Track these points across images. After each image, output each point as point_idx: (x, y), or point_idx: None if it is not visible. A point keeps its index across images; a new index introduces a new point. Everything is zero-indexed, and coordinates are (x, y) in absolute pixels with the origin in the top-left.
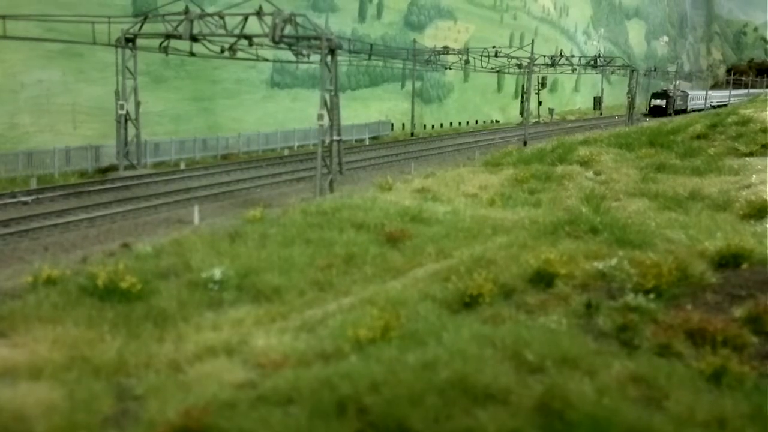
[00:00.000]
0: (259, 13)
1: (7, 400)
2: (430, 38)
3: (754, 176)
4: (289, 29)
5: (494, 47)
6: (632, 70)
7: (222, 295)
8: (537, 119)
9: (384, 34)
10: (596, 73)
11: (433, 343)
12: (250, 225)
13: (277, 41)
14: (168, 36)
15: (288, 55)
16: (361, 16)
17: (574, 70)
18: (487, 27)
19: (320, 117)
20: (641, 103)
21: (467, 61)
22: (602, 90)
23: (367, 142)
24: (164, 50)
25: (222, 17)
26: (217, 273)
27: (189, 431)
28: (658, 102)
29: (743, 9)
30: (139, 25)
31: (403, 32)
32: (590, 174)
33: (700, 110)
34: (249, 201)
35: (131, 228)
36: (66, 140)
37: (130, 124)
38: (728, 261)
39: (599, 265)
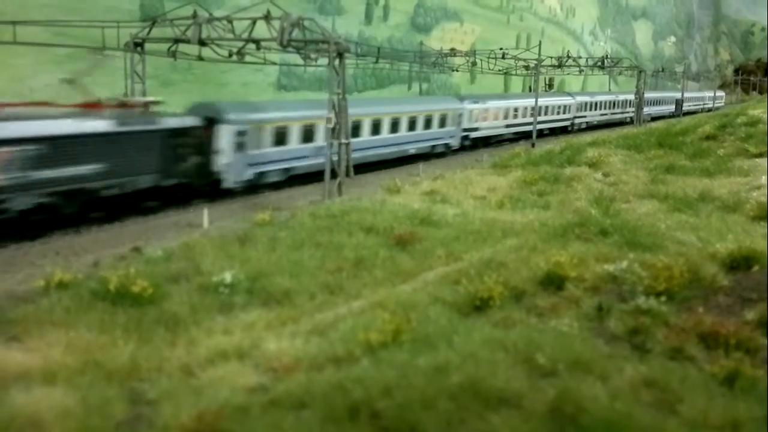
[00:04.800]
0: (266, 17)
1: (22, 405)
2: (437, 40)
3: (764, 177)
4: (296, 33)
5: (501, 49)
6: (639, 71)
7: (233, 299)
8: None
9: (390, 36)
10: (603, 74)
11: (444, 346)
12: (260, 228)
13: (285, 45)
14: (176, 40)
15: (295, 57)
16: (368, 18)
17: (581, 71)
18: (494, 28)
19: (328, 120)
20: None
21: (474, 63)
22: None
23: None
24: (172, 54)
25: (230, 21)
26: (228, 277)
27: None
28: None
29: (751, 8)
30: (147, 29)
31: (409, 34)
32: (599, 176)
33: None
34: (258, 204)
35: (141, 231)
36: None
37: None
38: (739, 263)
39: (610, 267)
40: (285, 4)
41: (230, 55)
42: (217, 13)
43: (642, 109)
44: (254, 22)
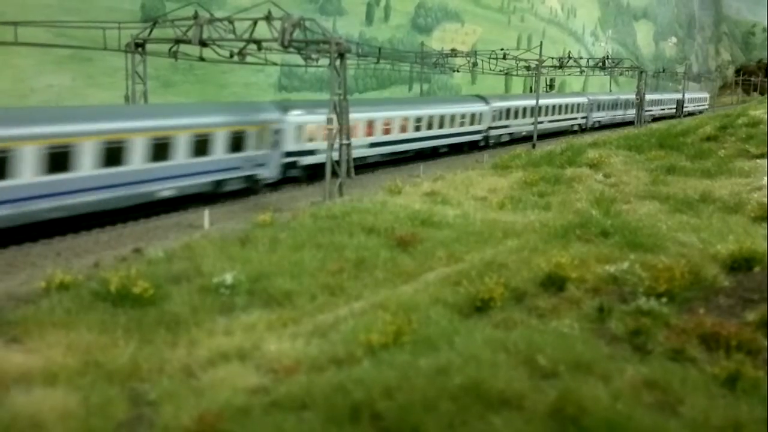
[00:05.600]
0: (268, 18)
1: (23, 406)
2: (438, 41)
3: (765, 178)
4: (297, 33)
5: (502, 49)
6: (640, 72)
7: (233, 300)
8: None
9: (391, 36)
10: (604, 75)
11: (445, 348)
12: (261, 229)
13: (286, 45)
14: (177, 41)
15: (296, 58)
16: (369, 19)
17: (582, 72)
18: (495, 29)
19: (329, 121)
20: None
21: (475, 64)
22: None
23: None
24: (173, 55)
25: (231, 22)
26: (229, 278)
27: None
28: None
29: (752, 9)
30: (148, 30)
31: (410, 35)
32: (600, 176)
33: None
34: (258, 205)
35: (142, 232)
36: None
37: None
38: (740, 264)
39: (611, 268)
40: (286, 5)
41: (231, 56)
42: (218, 14)
43: (642, 109)
44: (255, 22)
